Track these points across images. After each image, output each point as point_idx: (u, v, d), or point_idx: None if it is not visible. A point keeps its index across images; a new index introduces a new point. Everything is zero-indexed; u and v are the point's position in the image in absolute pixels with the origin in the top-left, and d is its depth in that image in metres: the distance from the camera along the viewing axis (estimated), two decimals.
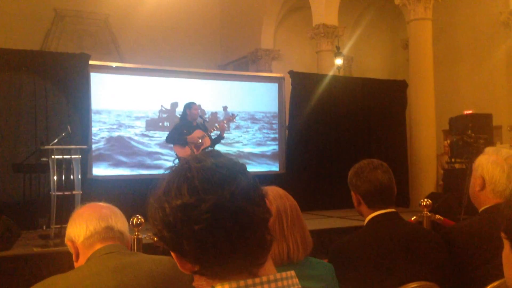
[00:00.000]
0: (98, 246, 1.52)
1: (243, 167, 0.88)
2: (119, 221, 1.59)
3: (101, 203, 1.63)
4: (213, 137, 6.96)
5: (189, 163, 0.84)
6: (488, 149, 2.03)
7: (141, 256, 1.59)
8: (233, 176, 0.83)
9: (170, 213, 0.81)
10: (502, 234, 1.11)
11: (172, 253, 0.86)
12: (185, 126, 6.85)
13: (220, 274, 0.82)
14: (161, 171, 7.37)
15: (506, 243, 1.11)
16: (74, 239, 1.54)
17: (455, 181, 8.13)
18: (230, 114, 7.34)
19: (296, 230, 1.67)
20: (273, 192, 1.71)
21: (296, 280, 0.87)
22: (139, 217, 2.83)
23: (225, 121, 7.21)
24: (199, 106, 7.05)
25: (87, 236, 1.52)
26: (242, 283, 0.81)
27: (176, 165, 0.87)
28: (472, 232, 1.96)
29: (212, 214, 0.78)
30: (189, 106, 6.89)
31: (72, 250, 1.55)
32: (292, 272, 0.88)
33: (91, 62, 7.78)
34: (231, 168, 0.85)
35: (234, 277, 0.82)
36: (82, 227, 1.53)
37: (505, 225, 1.09)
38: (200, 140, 6.73)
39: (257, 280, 0.82)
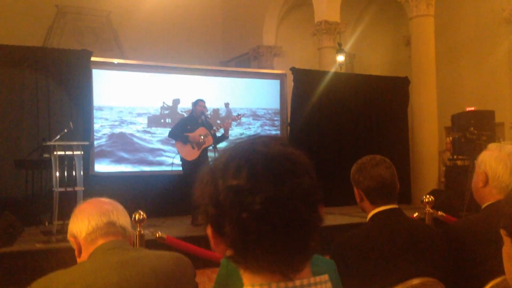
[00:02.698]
0: (100, 241, 1.52)
1: (311, 166, 0.82)
2: (121, 217, 1.59)
3: (103, 199, 1.63)
4: (217, 136, 6.94)
5: (255, 145, 0.78)
6: (491, 145, 2.02)
7: (144, 252, 1.59)
8: (298, 173, 0.78)
9: (222, 191, 0.76)
10: (502, 231, 1.11)
11: (208, 228, 0.80)
12: (189, 122, 6.85)
13: (252, 268, 0.78)
14: (163, 168, 7.40)
15: (506, 239, 1.11)
16: (76, 234, 1.54)
17: (457, 178, 8.12)
18: (236, 114, 7.31)
19: None
20: None
21: (329, 284, 0.82)
22: (141, 213, 2.84)
23: (230, 121, 7.18)
24: (204, 105, 7.03)
25: (89, 231, 1.52)
26: (274, 286, 0.76)
27: (241, 142, 0.81)
28: (474, 229, 1.95)
29: (264, 207, 0.73)
30: (196, 102, 6.90)
31: (74, 246, 1.56)
32: (326, 276, 0.83)
33: (93, 58, 7.79)
34: (298, 163, 0.79)
35: (266, 275, 0.77)
36: (84, 222, 1.53)
37: (505, 222, 1.09)
38: (202, 139, 6.72)
39: (290, 284, 0.76)
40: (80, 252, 1.54)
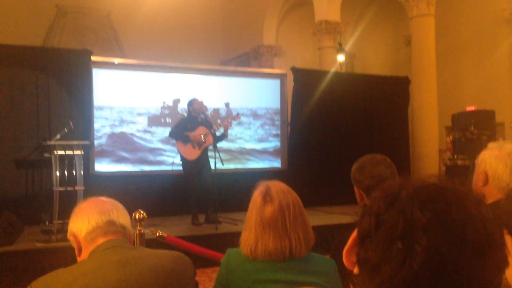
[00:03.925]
0: (100, 240, 1.52)
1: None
2: (121, 215, 1.59)
3: (103, 198, 1.64)
4: (216, 135, 6.94)
5: (422, 204, 0.63)
6: (491, 144, 2.02)
7: (144, 251, 1.59)
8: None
9: (392, 223, 0.63)
10: (504, 229, 1.10)
11: (355, 233, 0.70)
12: (190, 121, 6.85)
13: None
14: (163, 167, 7.38)
15: (507, 238, 1.11)
16: (76, 233, 1.54)
17: (457, 177, 8.11)
18: (236, 114, 7.31)
19: (298, 226, 1.67)
20: (276, 187, 1.71)
21: None
22: (142, 212, 2.84)
23: (229, 120, 7.18)
24: (201, 102, 7.03)
25: (89, 230, 1.52)
26: None
27: (412, 188, 0.66)
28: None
29: (428, 252, 0.61)
30: (190, 102, 6.90)
31: (74, 245, 1.56)
32: None
33: (93, 58, 7.79)
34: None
35: None
36: (84, 221, 1.53)
37: (505, 219, 1.09)
38: (202, 138, 6.71)
39: None
40: (80, 251, 1.54)
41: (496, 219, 0.65)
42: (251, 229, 1.68)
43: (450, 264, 0.60)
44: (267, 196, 1.69)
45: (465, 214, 0.62)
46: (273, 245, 1.64)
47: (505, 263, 0.65)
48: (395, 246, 0.62)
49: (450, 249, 0.60)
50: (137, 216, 2.81)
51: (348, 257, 0.71)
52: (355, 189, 2.06)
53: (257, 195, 1.71)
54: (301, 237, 1.67)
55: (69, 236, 1.57)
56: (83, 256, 1.53)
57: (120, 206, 1.63)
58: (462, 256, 0.60)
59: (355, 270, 0.69)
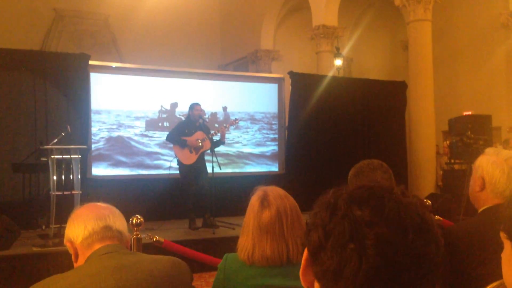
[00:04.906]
0: (97, 246, 1.51)
1: (440, 238, 0.73)
2: (118, 221, 1.58)
3: (99, 203, 1.63)
4: (214, 140, 6.94)
5: (394, 188, 0.71)
6: (489, 150, 2.03)
7: (141, 256, 1.59)
8: (426, 235, 0.70)
9: (338, 217, 0.69)
10: (502, 234, 1.11)
11: (305, 253, 0.74)
12: (187, 126, 6.85)
13: None
14: (160, 171, 7.36)
15: (506, 243, 1.11)
16: (73, 239, 1.54)
17: (454, 182, 8.14)
18: (234, 119, 7.30)
19: (295, 231, 1.67)
20: (273, 193, 1.72)
21: None
22: (139, 217, 2.83)
23: (227, 125, 7.18)
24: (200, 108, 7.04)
25: (85, 236, 1.52)
26: None
27: (376, 183, 0.73)
28: (471, 232, 1.96)
29: (377, 246, 0.66)
30: (192, 106, 6.90)
31: (71, 251, 1.55)
32: None
33: (91, 62, 7.79)
34: (432, 226, 0.71)
35: None
36: (80, 227, 1.53)
37: (506, 225, 1.09)
38: (200, 143, 6.71)
39: None
40: (76, 257, 1.54)
41: (422, 203, 0.72)
42: (249, 234, 1.68)
43: (399, 250, 0.66)
44: (264, 201, 1.69)
45: (397, 203, 0.69)
46: (271, 250, 1.64)
47: (440, 240, 0.72)
48: (348, 248, 0.67)
49: (395, 236, 0.67)
50: (134, 221, 2.80)
51: (305, 279, 0.74)
52: None
53: (254, 200, 1.71)
54: (299, 242, 1.67)
55: (66, 242, 1.56)
56: (80, 262, 1.52)
57: (116, 211, 1.63)
58: (405, 239, 0.67)
59: (316, 287, 0.72)
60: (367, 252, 0.66)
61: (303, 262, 0.75)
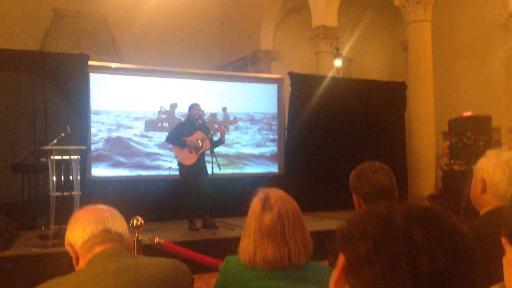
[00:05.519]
0: (97, 249, 1.51)
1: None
2: (117, 223, 1.58)
3: (99, 206, 1.62)
4: (214, 140, 6.94)
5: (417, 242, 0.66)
6: (489, 152, 2.03)
7: (142, 259, 1.59)
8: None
9: (394, 245, 0.66)
10: (504, 240, 1.10)
11: (342, 260, 0.71)
12: (187, 126, 6.85)
13: None
14: (160, 172, 7.36)
15: (508, 248, 1.11)
16: (73, 243, 1.53)
17: (454, 183, 8.13)
18: (233, 118, 7.28)
19: (297, 234, 1.66)
20: (275, 195, 1.71)
21: None
22: (139, 218, 2.83)
23: (226, 125, 7.18)
24: (199, 108, 7.04)
25: (85, 240, 1.51)
26: None
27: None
28: (472, 235, 1.95)
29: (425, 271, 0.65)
30: (191, 107, 6.90)
31: (72, 254, 1.55)
32: None
33: (90, 62, 7.78)
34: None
35: None
36: (80, 231, 1.53)
37: (507, 230, 1.09)
38: (199, 143, 6.71)
39: None
40: (77, 260, 1.54)
41: (474, 237, 0.71)
42: (250, 237, 1.68)
43: (449, 278, 0.64)
44: (266, 204, 1.68)
45: (455, 232, 0.68)
46: (272, 253, 1.64)
47: (484, 277, 0.70)
48: (401, 267, 0.64)
49: (448, 264, 0.65)
50: (134, 223, 2.79)
51: (337, 287, 0.71)
52: (354, 196, 2.06)
53: (256, 203, 1.71)
54: (300, 245, 1.66)
55: (66, 246, 1.56)
56: (81, 265, 1.52)
57: (116, 213, 1.62)
58: (458, 270, 0.65)
59: None
60: (420, 274, 0.64)
61: (338, 270, 0.71)
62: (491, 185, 1.95)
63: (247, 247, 1.68)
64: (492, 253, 1.67)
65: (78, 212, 1.60)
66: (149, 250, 3.51)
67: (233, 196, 7.71)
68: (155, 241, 3.20)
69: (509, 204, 1.90)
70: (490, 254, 1.79)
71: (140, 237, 2.89)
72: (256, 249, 1.65)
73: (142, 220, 2.81)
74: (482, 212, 2.00)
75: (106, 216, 1.56)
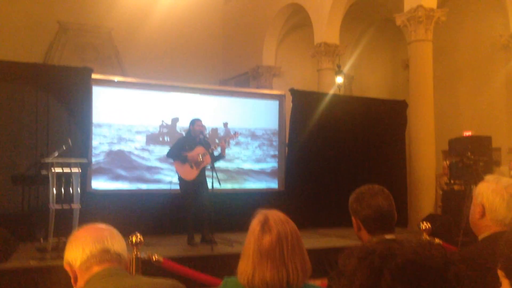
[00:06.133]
0: (96, 269, 1.51)
1: None
2: (116, 243, 1.58)
3: (98, 225, 1.62)
4: (214, 155, 6.95)
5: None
6: (489, 177, 2.04)
7: (140, 280, 1.59)
8: None
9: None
10: (500, 272, 1.11)
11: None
12: (187, 141, 6.87)
13: None
14: (160, 186, 7.35)
15: (504, 281, 1.11)
16: (72, 263, 1.53)
17: (454, 202, 8.12)
18: (233, 133, 7.29)
19: (296, 256, 1.67)
20: (274, 217, 1.72)
21: None
22: (138, 235, 2.83)
23: (227, 139, 7.18)
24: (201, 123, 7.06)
25: (83, 260, 1.51)
26: None
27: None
28: (471, 261, 1.96)
29: None
30: (193, 122, 6.92)
31: (70, 274, 1.55)
32: None
33: (93, 76, 7.82)
34: None
35: None
36: (79, 250, 1.53)
37: (504, 264, 1.09)
38: (200, 158, 6.72)
39: None
40: (76, 279, 1.54)
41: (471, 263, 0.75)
42: (249, 259, 1.68)
43: None
44: (265, 226, 1.69)
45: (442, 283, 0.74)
46: (271, 275, 1.64)
47: None
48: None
49: None
50: (133, 240, 2.79)
51: None
52: (353, 219, 2.07)
53: (255, 225, 1.71)
54: (299, 267, 1.66)
55: (65, 266, 1.56)
56: (79, 285, 1.52)
57: (115, 232, 1.62)
58: None
59: None
60: None
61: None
62: (490, 210, 1.96)
63: (245, 269, 1.68)
64: (490, 279, 1.68)
65: (77, 231, 1.60)
66: (147, 267, 3.50)
67: (233, 211, 7.70)
68: (153, 258, 3.19)
69: (508, 229, 1.91)
70: (487, 280, 1.79)
71: (139, 254, 2.88)
72: (255, 270, 1.65)
73: (141, 237, 2.81)
74: (480, 237, 2.01)
75: (105, 236, 1.56)
